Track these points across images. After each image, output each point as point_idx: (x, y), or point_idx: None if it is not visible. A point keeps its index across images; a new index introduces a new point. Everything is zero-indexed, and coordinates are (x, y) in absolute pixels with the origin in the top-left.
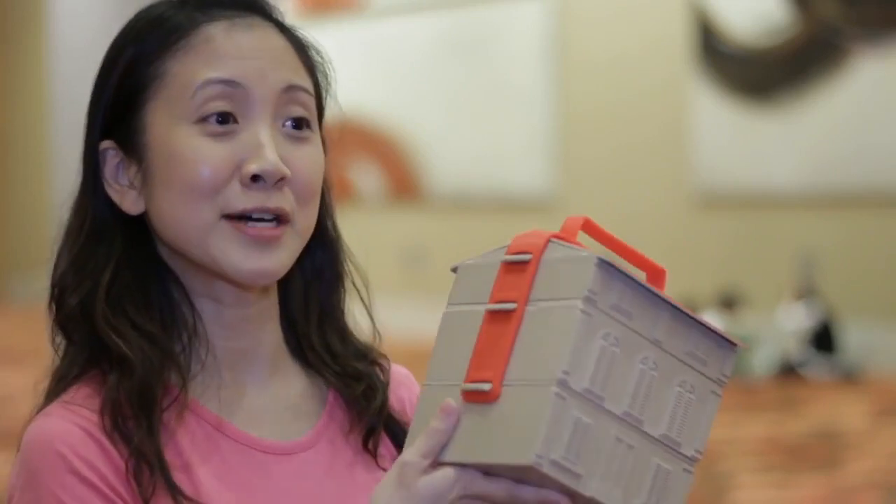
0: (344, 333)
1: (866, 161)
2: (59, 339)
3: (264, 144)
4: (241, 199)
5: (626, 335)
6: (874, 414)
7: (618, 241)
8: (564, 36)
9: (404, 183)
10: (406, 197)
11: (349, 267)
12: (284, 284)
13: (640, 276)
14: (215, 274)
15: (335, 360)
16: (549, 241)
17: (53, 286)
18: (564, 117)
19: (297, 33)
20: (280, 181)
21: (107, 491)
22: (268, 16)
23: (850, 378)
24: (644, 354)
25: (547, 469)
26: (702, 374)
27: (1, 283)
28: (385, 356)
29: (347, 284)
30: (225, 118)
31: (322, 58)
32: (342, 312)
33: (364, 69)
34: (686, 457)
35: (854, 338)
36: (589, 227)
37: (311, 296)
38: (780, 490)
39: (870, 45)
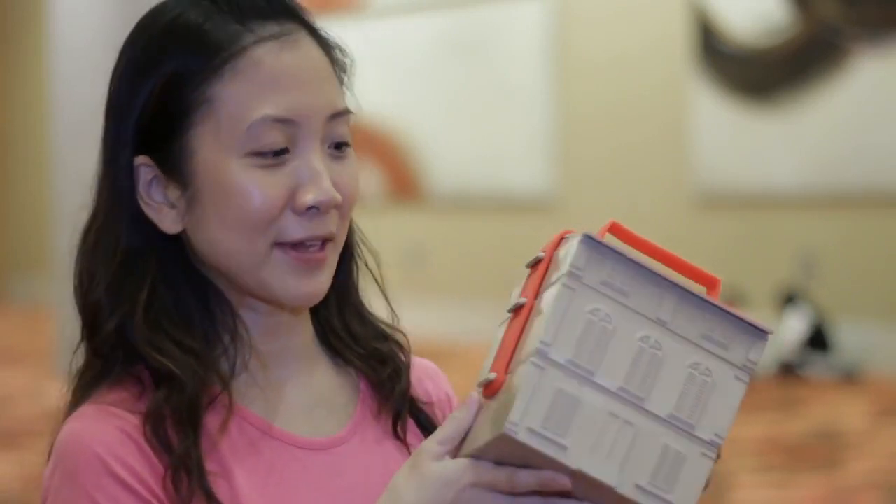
0: (361, 313)
1: (866, 161)
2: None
3: (320, 173)
4: (296, 229)
5: (621, 312)
6: (874, 414)
7: (656, 247)
8: (564, 36)
9: (404, 183)
10: (406, 197)
11: (361, 248)
12: None
13: (645, 259)
14: (259, 296)
15: (357, 342)
16: (561, 237)
17: (86, 310)
18: (564, 117)
19: (324, 34)
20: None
21: (144, 493)
22: (301, 20)
23: (849, 378)
24: (644, 333)
25: (523, 437)
26: (721, 358)
27: (1, 283)
28: (403, 333)
29: (360, 265)
30: (279, 151)
31: (343, 53)
32: (357, 291)
33: (363, 69)
34: (703, 440)
35: (854, 337)
36: (617, 231)
37: None
38: (779, 490)
39: (870, 45)
